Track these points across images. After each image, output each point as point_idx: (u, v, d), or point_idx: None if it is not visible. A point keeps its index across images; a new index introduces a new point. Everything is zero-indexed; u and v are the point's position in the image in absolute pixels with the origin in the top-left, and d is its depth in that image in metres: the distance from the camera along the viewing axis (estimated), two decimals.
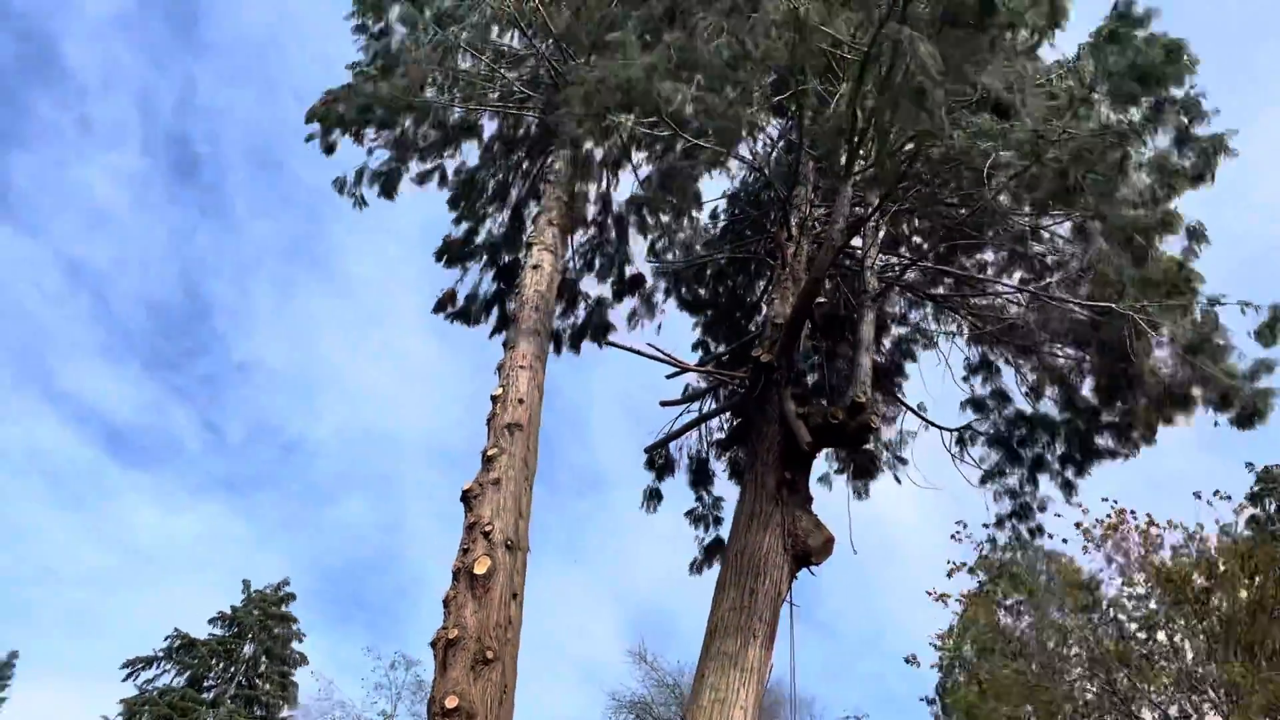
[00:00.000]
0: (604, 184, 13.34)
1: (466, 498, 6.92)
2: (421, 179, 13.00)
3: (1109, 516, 16.52)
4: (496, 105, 12.44)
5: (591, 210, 13.27)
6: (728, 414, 11.84)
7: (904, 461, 12.01)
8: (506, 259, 13.31)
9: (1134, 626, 15.88)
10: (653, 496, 12.80)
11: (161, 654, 34.13)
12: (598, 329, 13.57)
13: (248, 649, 35.01)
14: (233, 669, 34.37)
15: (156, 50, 76.82)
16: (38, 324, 66.93)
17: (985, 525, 18.14)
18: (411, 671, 29.37)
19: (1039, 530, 11.60)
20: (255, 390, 73.51)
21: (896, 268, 11.41)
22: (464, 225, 13.36)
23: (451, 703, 5.61)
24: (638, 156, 12.67)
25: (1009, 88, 6.73)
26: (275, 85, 79.10)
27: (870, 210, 9.47)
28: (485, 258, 13.34)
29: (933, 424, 11.44)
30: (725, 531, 10.23)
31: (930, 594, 18.29)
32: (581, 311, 13.64)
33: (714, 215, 13.89)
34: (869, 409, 7.91)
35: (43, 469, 64.88)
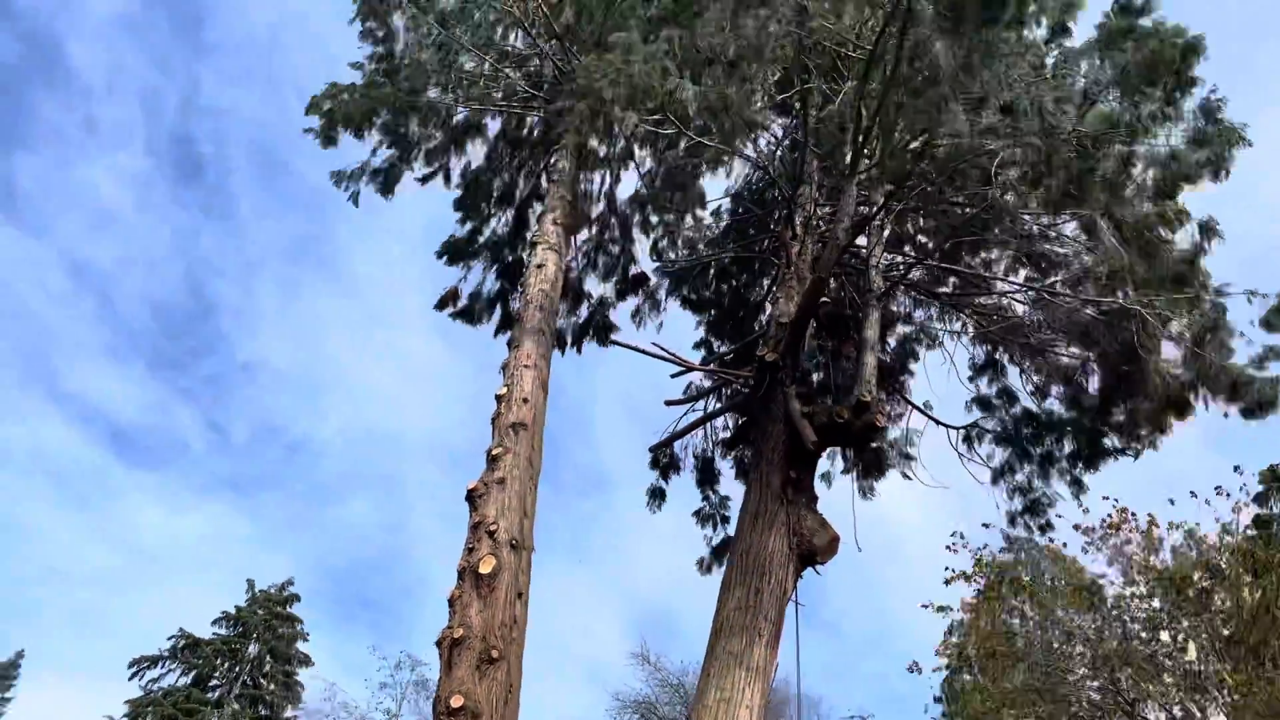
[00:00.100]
0: (608, 183, 13.35)
1: (471, 497, 6.91)
2: (426, 179, 13.01)
3: (1110, 516, 16.47)
4: (500, 105, 12.44)
5: (595, 209, 13.27)
6: (733, 413, 11.82)
7: (910, 459, 11.98)
8: (510, 258, 13.31)
9: (1137, 627, 15.82)
10: (657, 495, 12.80)
11: (166, 654, 34.22)
12: (601, 328, 13.57)
13: (252, 649, 35.07)
14: (237, 669, 34.42)
15: (161, 51, 77.07)
16: (42, 324, 67.20)
17: (985, 526, 18.10)
18: (416, 671, 29.43)
19: (1049, 525, 11.54)
20: (260, 390, 73.72)
21: (901, 266, 11.38)
22: (468, 225, 13.37)
23: (457, 702, 5.60)
24: (641, 155, 12.66)
25: (1015, 84, 6.69)
26: (279, 86, 79.28)
27: (875, 209, 9.44)
28: (489, 257, 13.34)
29: (939, 422, 11.40)
30: (732, 531, 10.22)
31: (927, 606, 18.15)
32: (585, 311, 13.65)
33: (717, 214, 13.87)
34: (874, 408, 7.88)
35: (48, 469, 65.15)
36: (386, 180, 12.59)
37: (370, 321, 75.71)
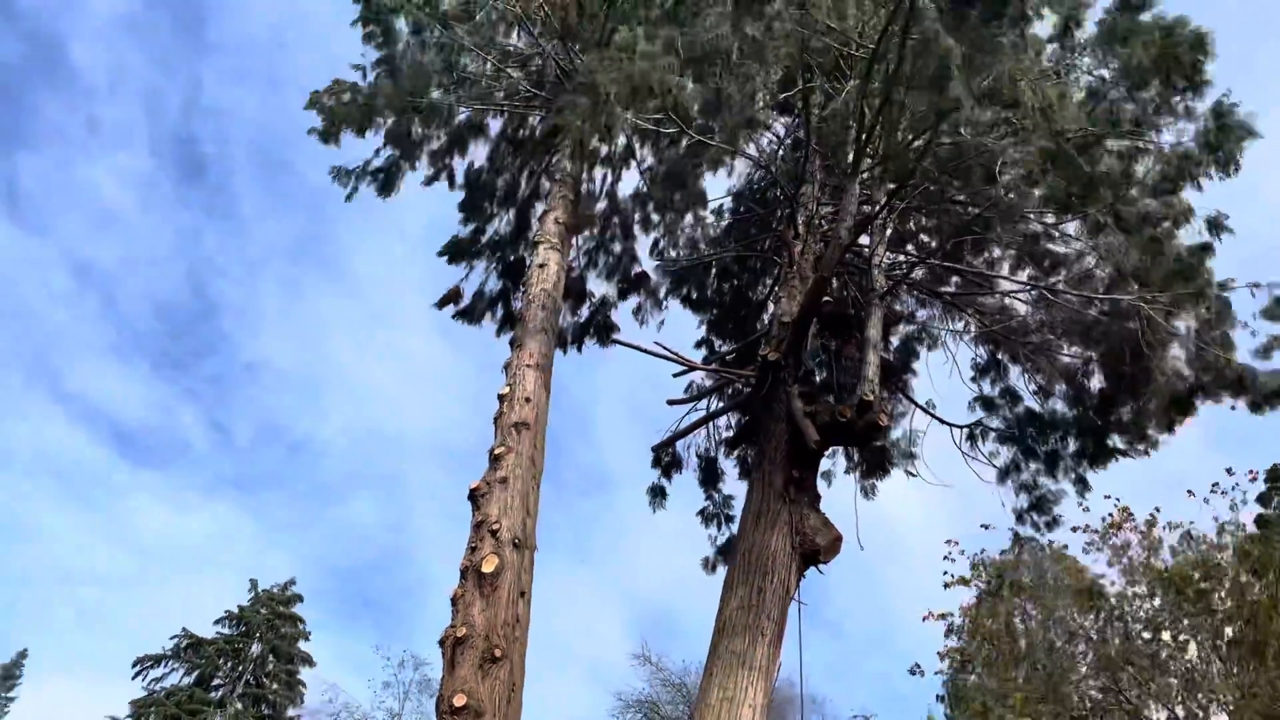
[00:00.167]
0: (609, 181, 13.35)
1: (474, 496, 6.92)
2: (430, 180, 13.01)
3: (1111, 515, 16.43)
4: (502, 104, 12.44)
5: (597, 208, 13.28)
6: (735, 412, 11.81)
7: (913, 458, 11.96)
8: (512, 257, 13.31)
9: (1139, 627, 15.79)
10: (658, 494, 12.79)
11: (170, 653, 34.27)
12: (603, 328, 13.57)
13: (255, 648, 35.12)
14: (240, 668, 34.47)
15: (163, 51, 77.20)
16: (46, 324, 67.35)
17: (985, 527, 18.12)
18: (419, 671, 29.44)
19: (1056, 522, 11.50)
20: (262, 390, 73.86)
21: (904, 266, 11.36)
22: (471, 225, 13.38)
23: (460, 701, 5.61)
24: (642, 153, 12.66)
25: (1019, 79, 6.67)
26: (281, 85, 79.38)
27: (878, 208, 9.43)
28: (491, 256, 13.35)
29: (942, 420, 11.38)
30: (736, 530, 10.22)
31: (927, 617, 18.14)
32: (587, 310, 13.65)
33: (719, 213, 13.86)
34: (877, 407, 7.87)
35: (51, 469, 65.35)
36: (387, 181, 12.59)
37: (372, 321, 75.88)
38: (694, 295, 13.60)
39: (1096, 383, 10.49)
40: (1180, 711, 14.35)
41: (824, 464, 12.34)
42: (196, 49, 78.87)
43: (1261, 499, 20.72)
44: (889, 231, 10.49)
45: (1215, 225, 8.59)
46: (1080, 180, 7.21)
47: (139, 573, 61.22)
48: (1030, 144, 7.19)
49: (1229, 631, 14.19)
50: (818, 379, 11.88)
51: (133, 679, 33.51)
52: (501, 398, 7.81)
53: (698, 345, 13.67)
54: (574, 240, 11.53)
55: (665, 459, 12.72)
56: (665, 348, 10.42)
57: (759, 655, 6.79)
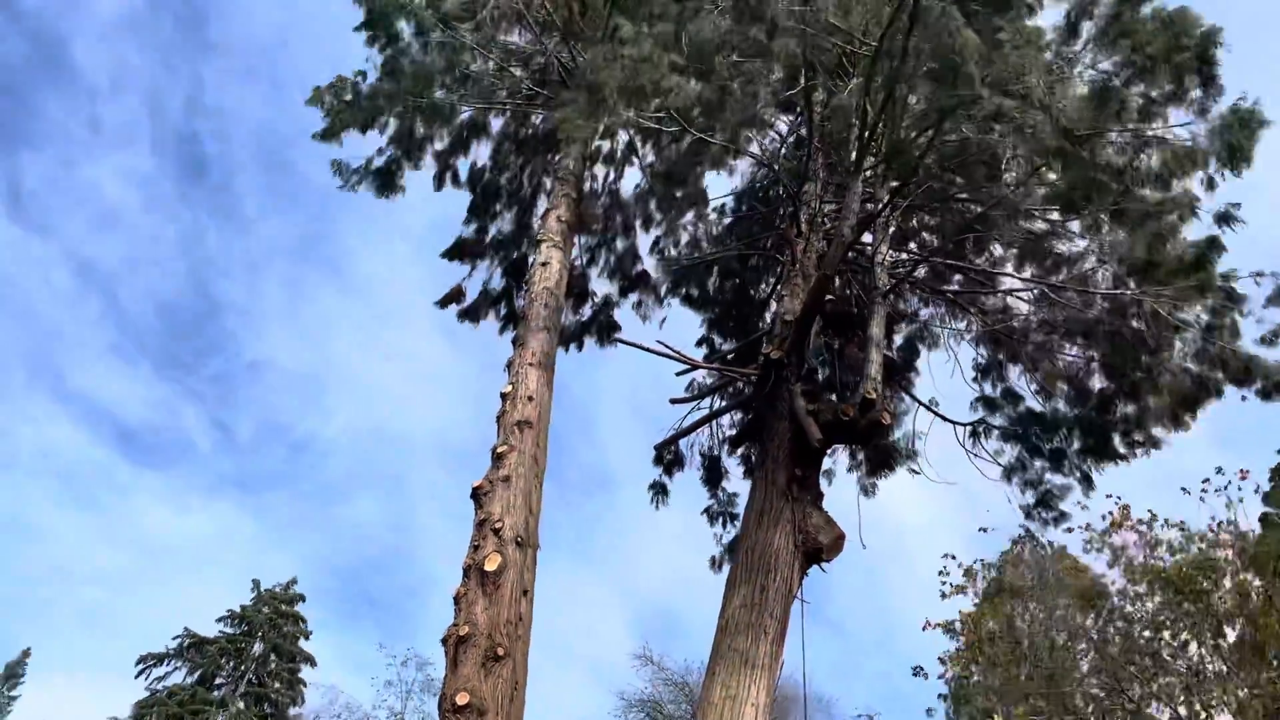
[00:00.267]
0: (611, 179, 13.34)
1: (477, 495, 6.91)
2: (437, 181, 13.00)
3: (1112, 513, 16.41)
4: (505, 103, 12.43)
5: (599, 207, 13.26)
6: (738, 411, 11.80)
7: (916, 456, 11.94)
8: (514, 255, 13.31)
9: (1139, 628, 15.77)
10: (659, 490, 12.78)
11: (172, 652, 34.33)
12: (605, 326, 13.57)
13: (257, 647, 35.17)
14: (242, 667, 34.51)
15: (166, 51, 77.25)
16: (48, 324, 67.45)
17: (983, 530, 18.11)
18: (424, 671, 29.45)
19: (1064, 516, 11.46)
20: (265, 390, 73.92)
21: (907, 264, 11.35)
22: (473, 224, 13.38)
23: (463, 699, 5.60)
24: (644, 151, 12.65)
25: (1027, 72, 6.64)
26: (284, 85, 79.40)
27: (881, 206, 9.41)
28: (494, 255, 13.34)
29: (945, 418, 11.35)
30: None
31: (926, 626, 18.15)
32: (589, 308, 13.64)
33: (721, 211, 13.85)
34: (880, 405, 7.85)
35: (54, 469, 65.44)
36: (387, 179, 12.57)
37: (375, 321, 75.95)
38: (695, 293, 13.58)
39: (1099, 382, 10.48)
40: (1183, 711, 14.33)
41: (826, 463, 12.36)
42: (198, 48, 78.99)
43: (1266, 497, 20.65)
44: (892, 229, 10.47)
45: (1225, 218, 8.57)
46: (1085, 174, 7.18)
47: (141, 572, 61.38)
48: (1035, 139, 7.16)
49: (1230, 631, 14.16)
50: (820, 377, 11.88)
51: (135, 678, 33.63)
52: (504, 396, 7.80)
53: (698, 343, 13.67)
54: (576, 238, 11.52)
55: (667, 457, 12.72)
56: (667, 346, 10.41)
57: (762, 653, 6.78)
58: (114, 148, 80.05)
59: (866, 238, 10.16)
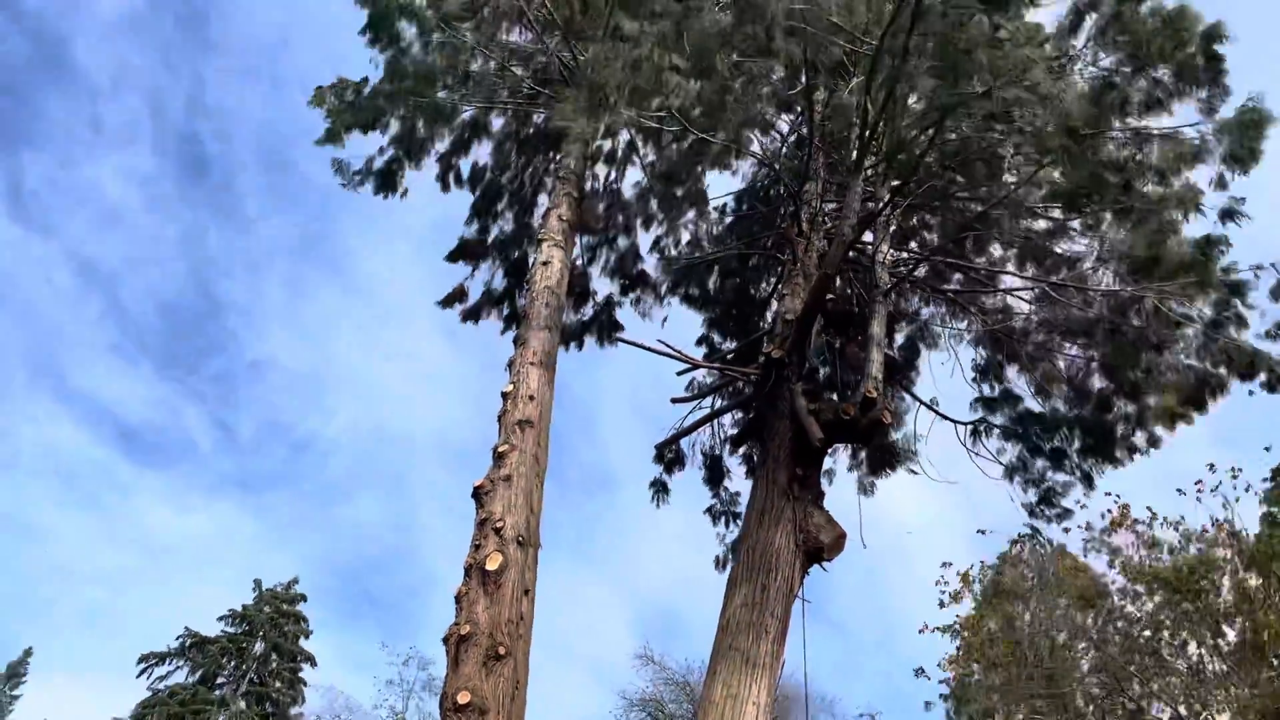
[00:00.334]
0: (612, 178, 13.34)
1: (478, 494, 6.91)
2: (441, 181, 13.00)
3: (1111, 511, 16.41)
4: (506, 102, 12.43)
5: (600, 206, 13.26)
6: (739, 410, 11.79)
7: (915, 456, 11.93)
8: (516, 255, 13.31)
9: (1138, 629, 15.78)
10: (660, 488, 12.78)
11: (174, 651, 34.37)
12: (606, 325, 13.57)
13: (258, 647, 35.20)
14: (244, 666, 34.54)
15: (167, 50, 77.26)
16: (49, 324, 67.50)
17: (981, 533, 18.14)
18: (426, 671, 29.50)
19: (1068, 513, 11.44)
20: (267, 389, 73.96)
21: (908, 263, 11.34)
22: (475, 224, 13.38)
23: (464, 698, 5.60)
24: (645, 150, 12.64)
25: (1027, 69, 6.63)
26: (285, 84, 79.42)
27: (882, 205, 9.41)
28: (497, 255, 13.35)
29: (946, 418, 11.34)
30: None
31: (924, 629, 18.20)
32: (590, 308, 13.64)
33: (721, 210, 13.85)
34: (881, 404, 7.85)
35: (56, 469, 65.52)
36: (387, 179, 12.57)
37: (377, 320, 75.95)
38: (696, 293, 13.59)
39: (1099, 382, 10.47)
40: (1183, 710, 14.32)
41: (827, 462, 12.35)
42: (200, 48, 79.01)
43: (1268, 496, 20.63)
44: (893, 228, 10.47)
45: (1230, 213, 8.56)
46: (1089, 172, 7.17)
47: (143, 572, 61.45)
48: (1038, 136, 7.15)
49: (1229, 631, 14.17)
50: (821, 376, 11.88)
51: (137, 677, 33.67)
52: (505, 395, 7.79)
53: (698, 342, 13.67)
54: (577, 237, 11.52)
55: (668, 456, 12.72)
56: (668, 345, 10.41)
57: (763, 652, 6.78)
58: (115, 147, 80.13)
59: (867, 237, 10.16)
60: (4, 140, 66.80)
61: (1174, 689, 14.48)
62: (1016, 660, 16.50)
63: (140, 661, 33.85)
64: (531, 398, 7.72)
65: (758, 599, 7.10)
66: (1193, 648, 14.69)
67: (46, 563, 59.66)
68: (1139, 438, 10.26)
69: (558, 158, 11.64)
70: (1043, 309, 10.55)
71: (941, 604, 18.03)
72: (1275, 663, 13.24)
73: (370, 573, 62.71)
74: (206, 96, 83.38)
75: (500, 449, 7.22)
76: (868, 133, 8.01)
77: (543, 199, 12.82)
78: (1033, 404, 11.29)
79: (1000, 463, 11.33)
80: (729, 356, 12.61)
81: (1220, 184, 8.29)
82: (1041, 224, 10.14)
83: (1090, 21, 8.17)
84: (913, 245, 11.82)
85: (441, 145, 12.79)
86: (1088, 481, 10.96)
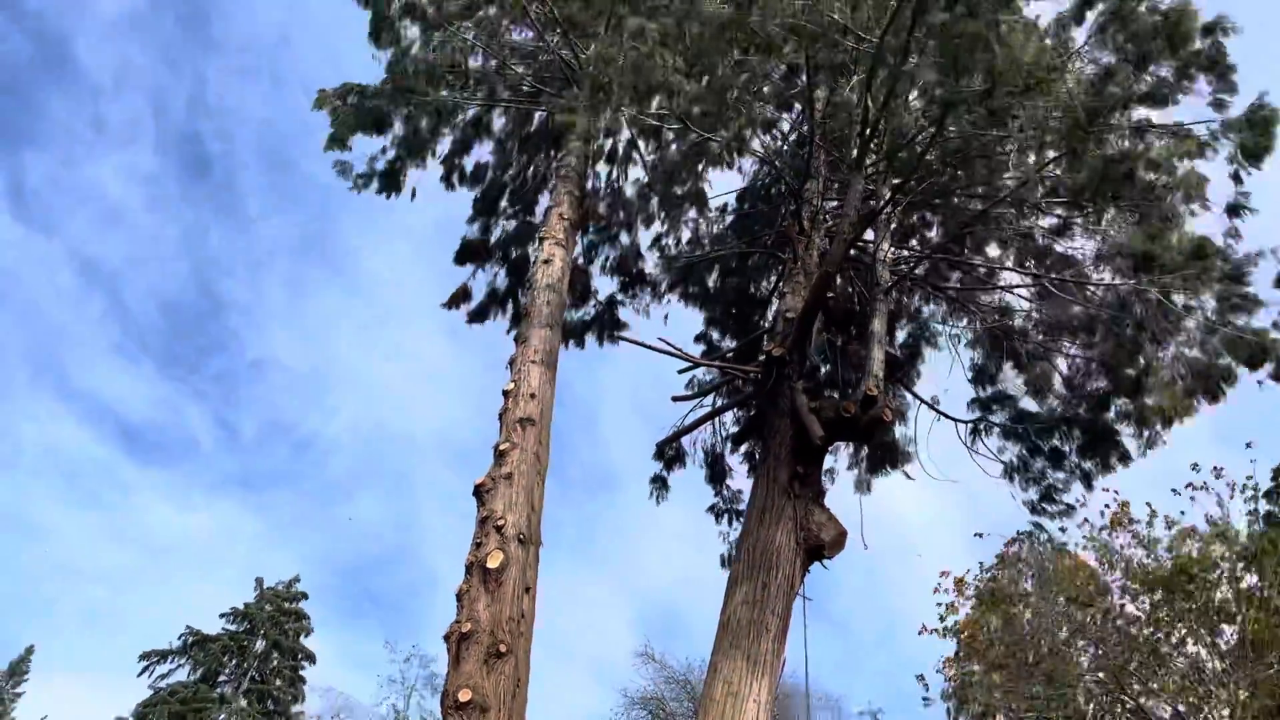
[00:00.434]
0: (613, 178, 13.33)
1: (479, 492, 6.91)
2: (445, 180, 13.00)
3: (1110, 507, 16.37)
4: (508, 101, 12.42)
5: (601, 205, 13.26)
6: (740, 408, 11.80)
7: (913, 455, 11.93)
8: (517, 254, 13.31)
9: (1136, 629, 15.75)
10: (660, 485, 12.78)
11: (176, 649, 34.40)
12: (608, 324, 13.56)
13: (259, 645, 35.22)
14: (245, 665, 34.58)
15: (169, 49, 77.25)
16: (52, 323, 67.55)
17: (978, 535, 18.16)
18: (428, 669, 29.51)
19: (1069, 510, 11.42)
20: (269, 388, 73.98)
21: (909, 261, 11.34)
22: (478, 223, 13.38)
23: (465, 696, 5.61)
24: (646, 149, 12.64)
25: (1033, 63, 6.61)
26: (287, 83, 79.36)
27: (883, 203, 9.40)
28: (499, 254, 13.35)
29: (947, 416, 11.34)
30: None
31: (922, 631, 18.20)
32: (591, 307, 13.64)
33: (722, 209, 13.85)
34: (881, 402, 7.85)
35: (58, 467, 65.47)
36: (390, 180, 12.56)
37: (378, 319, 75.90)
38: (696, 291, 13.58)
39: (1099, 381, 10.45)
40: (1183, 709, 14.32)
41: (827, 460, 12.34)
42: (201, 47, 78.94)
43: (1269, 495, 20.61)
44: (893, 226, 10.47)
45: (1235, 209, 8.54)
46: (1095, 166, 7.16)
47: (144, 570, 61.46)
48: (1042, 131, 7.14)
49: (1228, 630, 14.15)
50: (822, 374, 11.88)
51: (138, 675, 33.67)
52: (506, 393, 7.79)
53: (697, 340, 13.66)
54: (579, 236, 11.51)
55: (669, 454, 12.72)
56: (669, 344, 10.41)
57: (764, 650, 6.79)
58: (117, 146, 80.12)
59: (868, 235, 10.16)
60: (6, 139, 66.88)
61: (1173, 687, 14.46)
62: (1017, 660, 16.48)
63: (142, 659, 33.90)
64: (533, 395, 7.71)
65: (759, 597, 7.11)
66: (1191, 645, 14.67)
67: (48, 561, 59.69)
68: (1138, 436, 10.24)
69: (559, 156, 11.61)
70: (1045, 305, 10.53)
71: (941, 619, 18.07)
72: (1275, 663, 13.22)
73: (372, 571, 62.78)
74: (208, 96, 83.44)
75: (501, 447, 7.21)
76: (869, 130, 8.01)
77: (544, 197, 12.81)
78: (1034, 401, 11.29)
79: (1000, 461, 11.33)
80: (730, 355, 12.61)
81: (1237, 179, 8.28)
82: (1043, 221, 10.12)
83: (1089, 19, 8.17)
84: (914, 243, 11.81)
85: (444, 144, 12.81)
86: (1086, 480, 10.95)
